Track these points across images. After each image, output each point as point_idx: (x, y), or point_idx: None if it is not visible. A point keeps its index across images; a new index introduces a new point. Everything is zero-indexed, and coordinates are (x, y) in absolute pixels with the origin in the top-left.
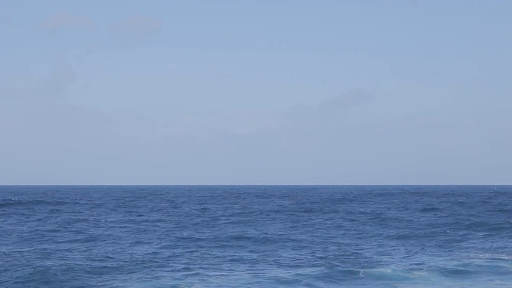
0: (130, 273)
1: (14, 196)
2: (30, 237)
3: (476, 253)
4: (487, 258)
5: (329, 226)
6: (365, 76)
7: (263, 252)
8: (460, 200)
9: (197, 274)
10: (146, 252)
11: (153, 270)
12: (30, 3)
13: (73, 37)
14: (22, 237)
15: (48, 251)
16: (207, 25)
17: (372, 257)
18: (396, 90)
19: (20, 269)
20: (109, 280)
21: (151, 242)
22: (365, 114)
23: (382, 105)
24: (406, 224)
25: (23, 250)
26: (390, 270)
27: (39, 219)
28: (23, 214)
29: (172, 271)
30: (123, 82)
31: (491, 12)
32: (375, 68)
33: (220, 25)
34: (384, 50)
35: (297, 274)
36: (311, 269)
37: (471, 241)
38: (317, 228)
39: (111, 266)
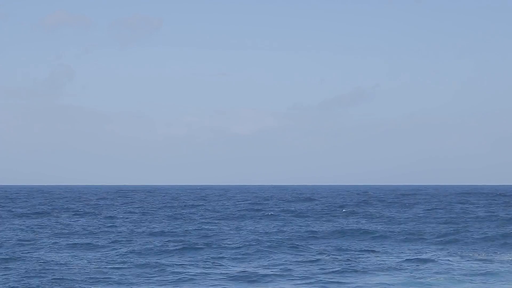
0: None
1: None
2: None
3: None
4: None
5: None
6: (365, 75)
7: None
8: None
9: None
10: None
11: None
12: (28, 1)
13: (72, 36)
14: None
15: None
16: (207, 25)
17: None
18: (396, 90)
19: None
20: None
21: None
22: (365, 114)
23: (382, 104)
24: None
25: None
26: None
27: None
28: None
29: None
30: (123, 82)
31: (491, 11)
32: (375, 67)
33: (220, 25)
34: (384, 50)
35: None
36: None
37: None
38: None
39: None
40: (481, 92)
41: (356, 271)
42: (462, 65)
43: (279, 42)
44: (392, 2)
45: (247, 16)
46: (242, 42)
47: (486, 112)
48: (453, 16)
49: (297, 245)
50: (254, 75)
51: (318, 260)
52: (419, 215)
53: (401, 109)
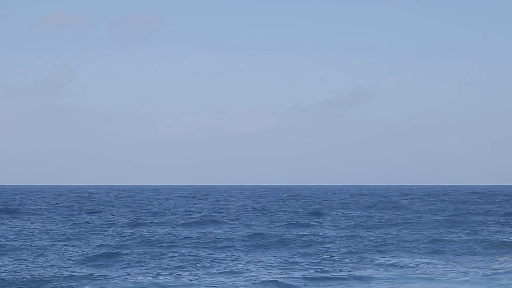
0: None
1: None
2: None
3: None
4: None
5: None
6: (365, 75)
7: None
8: None
9: None
10: None
11: None
12: (28, 1)
13: (72, 36)
14: None
15: None
16: (207, 25)
17: None
18: (396, 90)
19: None
20: None
21: None
22: (365, 114)
23: (382, 104)
24: None
25: None
26: None
27: None
28: None
29: None
30: (123, 82)
31: (491, 11)
32: (375, 67)
33: (220, 25)
34: (384, 50)
35: None
36: None
37: None
38: None
39: None
40: (481, 92)
41: (341, 272)
42: (462, 65)
43: (279, 42)
44: (392, 2)
45: (247, 16)
46: (242, 42)
47: (486, 112)
48: (453, 16)
49: (278, 245)
50: (254, 75)
51: (303, 257)
52: (413, 216)
53: (401, 109)
